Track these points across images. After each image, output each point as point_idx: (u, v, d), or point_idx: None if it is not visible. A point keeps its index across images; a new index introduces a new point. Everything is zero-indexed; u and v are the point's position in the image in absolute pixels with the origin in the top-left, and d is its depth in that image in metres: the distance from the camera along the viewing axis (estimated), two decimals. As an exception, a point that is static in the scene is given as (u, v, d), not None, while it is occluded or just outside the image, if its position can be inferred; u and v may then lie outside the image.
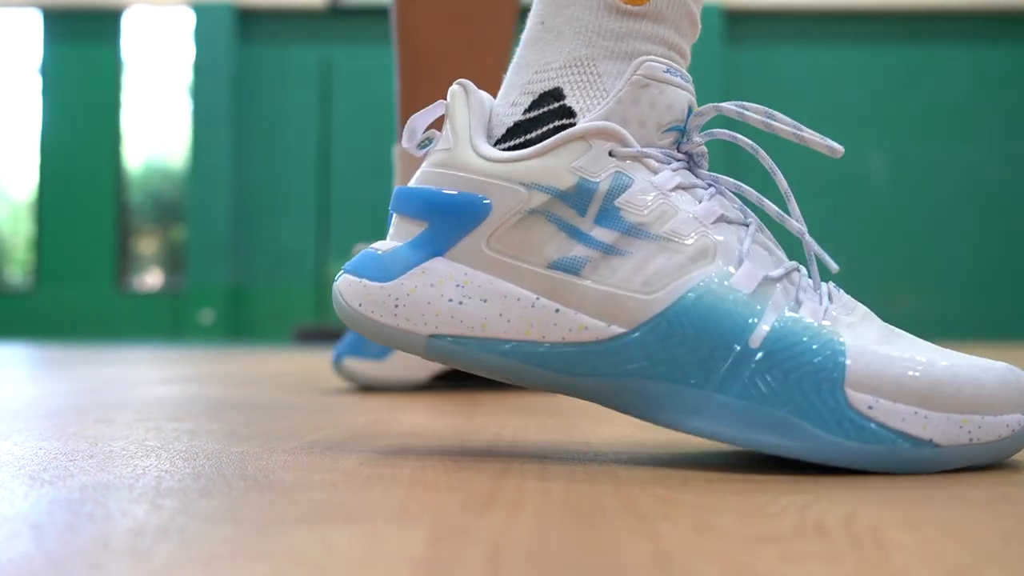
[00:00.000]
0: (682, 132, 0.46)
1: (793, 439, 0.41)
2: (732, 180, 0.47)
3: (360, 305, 0.45)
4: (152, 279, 6.93)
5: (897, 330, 0.45)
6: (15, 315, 6.33)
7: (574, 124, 0.46)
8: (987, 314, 5.86)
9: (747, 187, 0.46)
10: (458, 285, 0.45)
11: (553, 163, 0.44)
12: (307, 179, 6.28)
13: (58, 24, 6.45)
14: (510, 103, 0.48)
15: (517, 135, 0.47)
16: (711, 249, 0.43)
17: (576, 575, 0.24)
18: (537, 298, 0.44)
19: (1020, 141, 6.12)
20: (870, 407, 0.40)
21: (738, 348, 0.42)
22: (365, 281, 0.45)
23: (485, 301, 0.44)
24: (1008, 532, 0.30)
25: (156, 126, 6.75)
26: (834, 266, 0.45)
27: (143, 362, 1.65)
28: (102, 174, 6.41)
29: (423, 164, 0.47)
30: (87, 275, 6.36)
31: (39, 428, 0.57)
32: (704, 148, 0.47)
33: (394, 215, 0.47)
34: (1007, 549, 0.27)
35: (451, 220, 0.45)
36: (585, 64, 0.47)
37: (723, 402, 0.42)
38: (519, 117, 0.47)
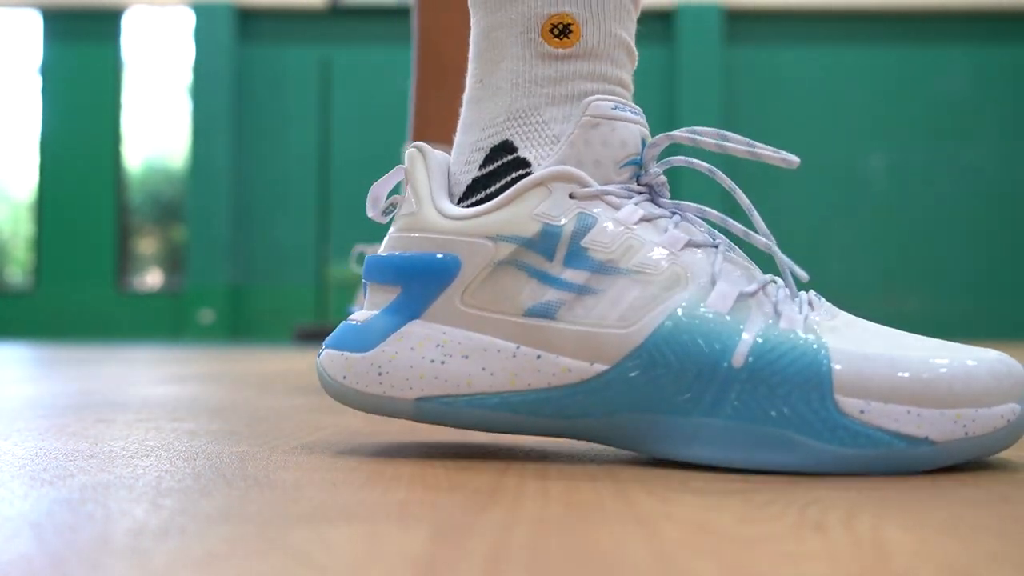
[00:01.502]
0: (639, 165, 0.47)
1: (789, 453, 0.41)
2: (695, 205, 0.47)
3: (344, 378, 0.46)
4: (152, 279, 6.93)
5: (884, 329, 0.44)
6: (15, 315, 6.33)
7: (531, 173, 0.46)
8: (988, 314, 5.86)
9: (710, 209, 0.47)
10: (438, 345, 0.45)
11: (516, 213, 0.45)
12: (307, 179, 6.27)
13: (58, 24, 6.45)
14: (464, 162, 0.49)
15: (476, 191, 0.48)
16: (682, 275, 0.44)
17: (576, 575, 0.24)
18: (518, 347, 0.44)
19: (1020, 141, 6.12)
20: (862, 411, 0.41)
21: (723, 369, 0.42)
22: (346, 354, 0.46)
23: (467, 357, 0.45)
24: (1008, 532, 0.30)
25: (156, 126, 6.74)
26: (803, 275, 0.46)
27: (143, 362, 1.65)
28: (102, 174, 6.41)
29: (390, 230, 0.48)
30: (87, 275, 6.36)
31: (39, 428, 0.57)
32: (663, 178, 0.47)
33: (367, 284, 0.48)
34: (1007, 549, 0.27)
35: (423, 282, 0.46)
36: (529, 114, 0.48)
37: (716, 426, 0.42)
38: (475, 174, 0.48)
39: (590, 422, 0.44)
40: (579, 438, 0.45)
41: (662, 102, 6.04)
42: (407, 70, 6.35)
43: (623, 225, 0.45)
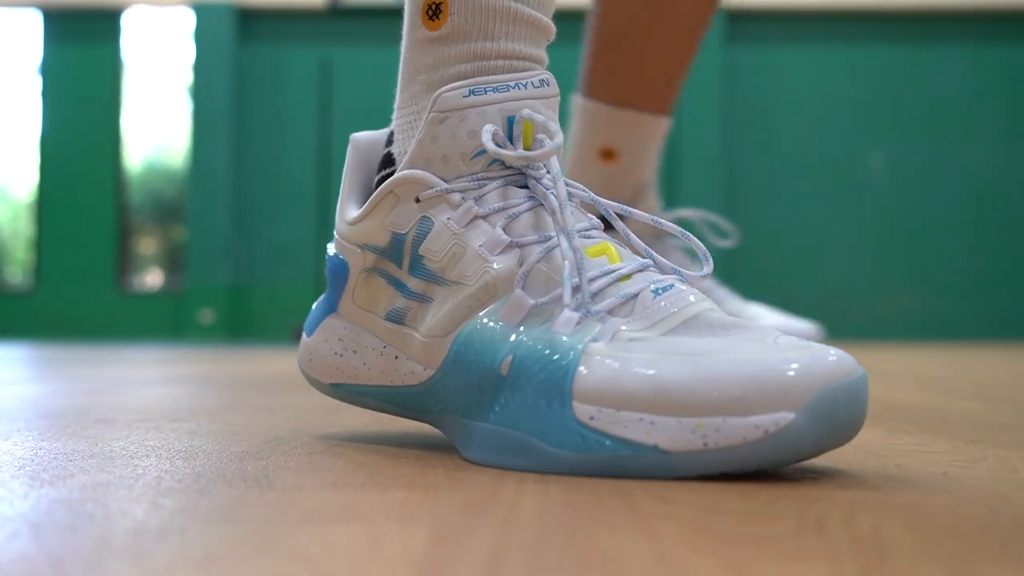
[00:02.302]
0: (500, 148, 0.45)
1: (525, 457, 0.42)
2: (577, 187, 0.46)
3: (299, 358, 0.52)
4: (152, 279, 6.93)
5: (708, 342, 0.41)
6: (15, 315, 6.33)
7: (394, 172, 0.48)
8: (988, 314, 5.86)
9: (588, 194, 0.45)
10: (340, 339, 0.50)
11: (373, 222, 0.47)
12: (307, 179, 6.27)
13: (58, 24, 6.45)
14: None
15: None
16: (491, 285, 0.44)
17: (576, 575, 0.24)
18: (384, 346, 0.48)
19: (1020, 141, 6.12)
20: (591, 417, 0.40)
21: (496, 377, 0.43)
22: (304, 337, 0.52)
23: (355, 352, 0.49)
24: (1008, 532, 0.30)
25: (156, 126, 6.75)
26: (708, 268, 0.44)
27: (143, 362, 1.65)
28: (102, 174, 6.41)
29: None
30: (87, 275, 6.35)
31: (39, 428, 0.57)
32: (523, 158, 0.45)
33: None
34: (1007, 549, 0.27)
35: (334, 281, 0.50)
36: (407, 105, 0.48)
37: (484, 429, 0.44)
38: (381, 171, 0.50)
39: (431, 419, 0.47)
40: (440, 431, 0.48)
41: (662, 102, 6.03)
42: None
43: (451, 230, 0.45)
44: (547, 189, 0.45)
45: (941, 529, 0.30)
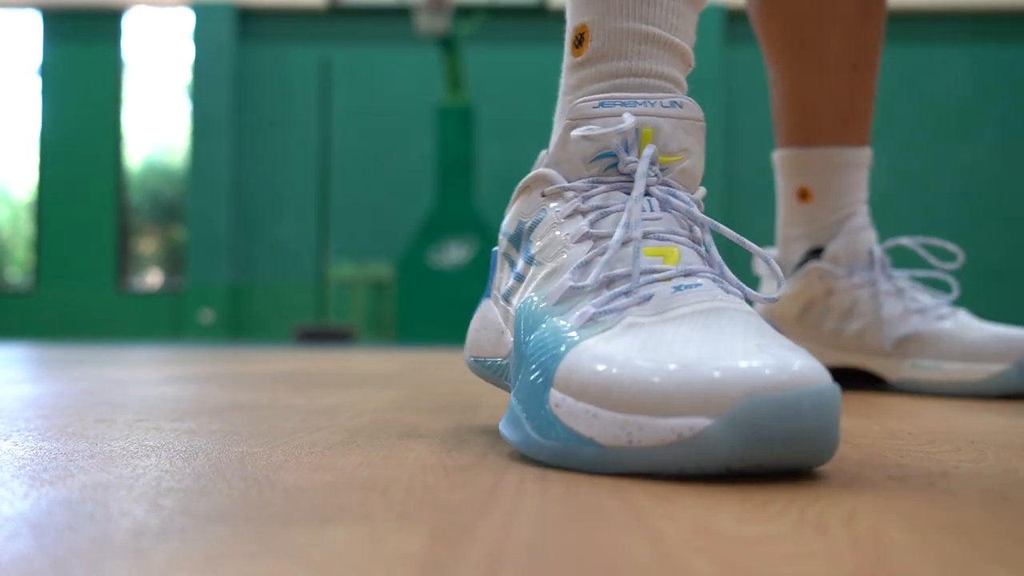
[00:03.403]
0: (613, 156, 0.49)
1: (518, 434, 0.44)
2: (684, 199, 0.48)
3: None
4: (152, 279, 6.93)
5: (701, 333, 0.40)
6: (15, 315, 6.33)
7: None
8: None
9: (688, 206, 0.48)
10: (481, 318, 0.55)
11: (512, 213, 0.53)
12: (307, 179, 6.27)
13: (58, 24, 6.45)
14: None
15: None
16: (561, 267, 0.47)
17: (576, 575, 0.24)
18: (499, 323, 0.53)
19: (1021, 141, 6.12)
20: (557, 405, 0.42)
21: (524, 352, 0.46)
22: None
23: (484, 329, 0.54)
24: (1008, 532, 0.30)
25: (156, 126, 6.75)
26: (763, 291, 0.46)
27: (143, 362, 1.65)
28: (102, 174, 6.41)
29: None
30: (87, 275, 6.36)
31: (39, 428, 0.57)
32: (635, 165, 0.48)
33: None
34: (1007, 549, 0.27)
35: (491, 269, 0.56)
36: (559, 119, 0.53)
37: (511, 401, 0.47)
38: None
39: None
40: None
41: (662, 102, 6.03)
42: (407, 70, 6.35)
43: (555, 219, 0.49)
44: (666, 199, 0.48)
45: (941, 529, 0.30)
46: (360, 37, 6.33)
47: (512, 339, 0.50)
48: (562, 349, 0.43)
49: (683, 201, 0.48)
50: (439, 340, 3.96)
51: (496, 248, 0.56)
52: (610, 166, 0.49)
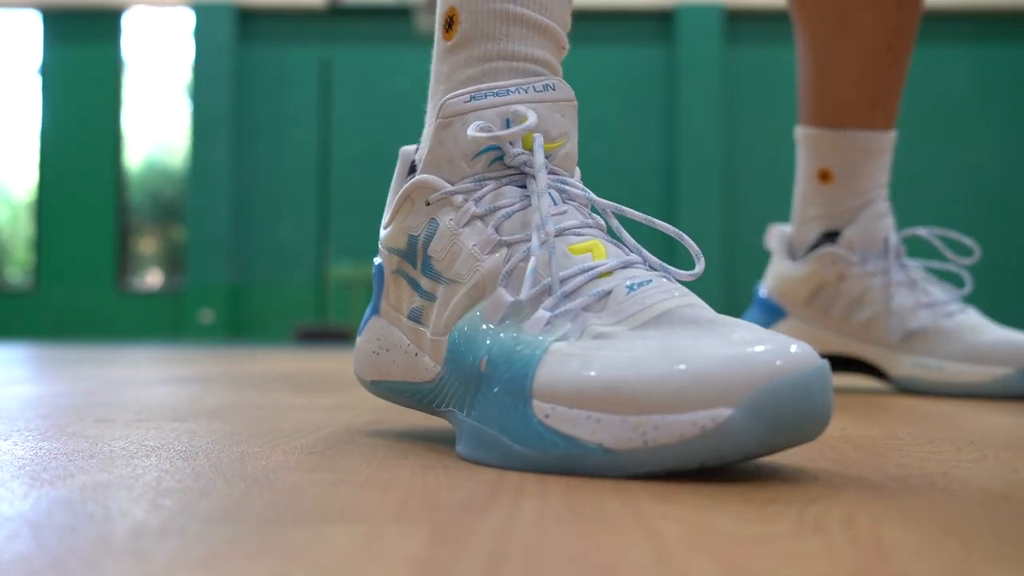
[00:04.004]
0: (497, 148, 0.46)
1: (493, 453, 0.42)
2: (577, 186, 0.47)
3: (353, 359, 0.55)
4: (152, 279, 6.93)
5: (689, 333, 0.40)
6: (15, 315, 6.33)
7: None
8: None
9: (586, 192, 0.46)
10: (377, 339, 0.52)
11: (395, 228, 0.50)
12: (307, 179, 6.27)
13: (58, 24, 6.45)
14: None
15: None
16: (482, 283, 0.45)
17: (576, 575, 0.24)
18: (408, 344, 0.50)
19: (1020, 141, 6.12)
20: (546, 415, 0.40)
21: (476, 374, 0.44)
22: (358, 337, 0.55)
23: (388, 351, 0.52)
24: (1008, 532, 0.30)
25: (156, 126, 6.75)
26: (699, 268, 0.44)
27: (143, 362, 1.65)
28: (102, 174, 6.41)
29: None
30: (87, 275, 6.36)
31: (39, 428, 0.57)
32: (523, 157, 0.46)
33: None
34: (1007, 549, 0.27)
35: (376, 284, 0.53)
36: (432, 113, 0.50)
37: (468, 425, 0.45)
38: None
39: (444, 413, 0.48)
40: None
41: (662, 102, 6.03)
42: (407, 70, 6.35)
43: (452, 229, 0.47)
44: (562, 185, 0.46)
45: (941, 529, 0.30)
46: (360, 37, 6.33)
47: (436, 364, 0.48)
48: (533, 358, 0.41)
49: (579, 188, 0.47)
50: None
51: (378, 261, 0.53)
52: (495, 160, 0.47)
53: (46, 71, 6.41)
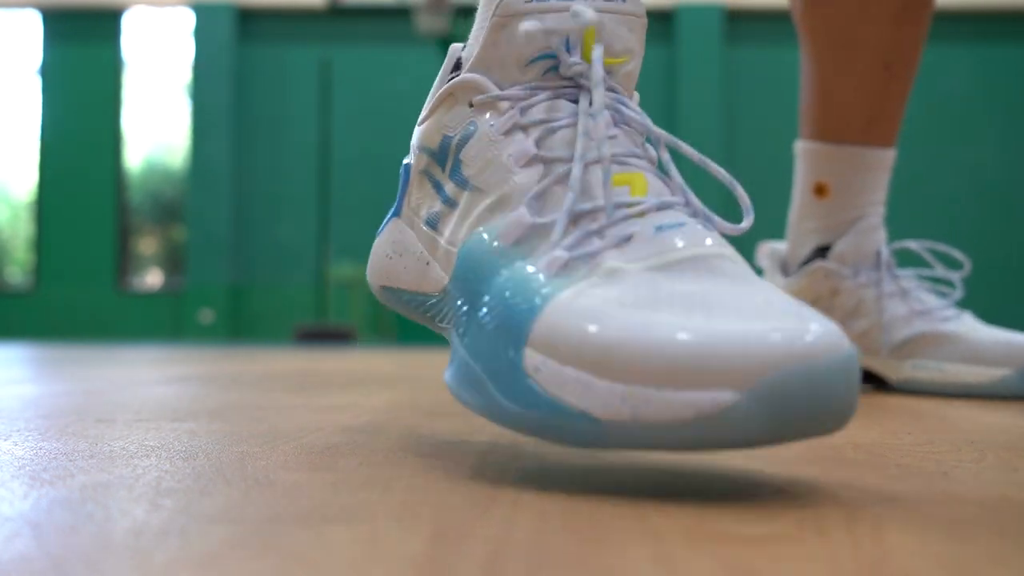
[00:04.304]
0: (554, 57, 0.42)
1: (477, 397, 0.39)
2: (636, 111, 0.43)
3: (369, 259, 0.52)
4: (152, 279, 6.93)
5: (717, 287, 0.36)
6: (15, 315, 6.33)
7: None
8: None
9: (643, 119, 0.43)
10: (393, 242, 0.49)
11: (431, 124, 0.46)
12: (307, 179, 6.28)
13: (58, 24, 6.45)
14: None
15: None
16: (508, 197, 0.41)
17: (576, 575, 0.24)
18: (421, 251, 0.47)
19: (1020, 141, 6.12)
20: (536, 368, 0.36)
21: (478, 293, 0.40)
22: (376, 238, 0.51)
23: (401, 256, 0.48)
24: (1008, 532, 0.30)
25: (156, 126, 6.75)
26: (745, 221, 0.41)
27: (143, 362, 1.65)
28: (102, 174, 6.41)
29: None
30: (87, 275, 6.36)
31: (39, 428, 0.57)
32: (580, 67, 0.42)
33: None
34: (1007, 549, 0.27)
35: (402, 185, 0.49)
36: (481, 10, 0.45)
37: (460, 355, 0.41)
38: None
39: (446, 330, 0.44)
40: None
41: (662, 102, 6.03)
42: (407, 70, 6.35)
43: (491, 136, 0.43)
44: (617, 108, 0.42)
45: (941, 529, 0.30)
46: (360, 37, 6.33)
47: (445, 275, 0.44)
48: (536, 302, 0.37)
49: (636, 112, 0.43)
50: (439, 340, 3.96)
51: (407, 161, 0.49)
52: (549, 69, 0.43)
53: (46, 71, 6.41)
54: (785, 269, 1.02)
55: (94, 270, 6.39)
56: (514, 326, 0.37)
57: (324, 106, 6.13)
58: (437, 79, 0.47)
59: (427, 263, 0.46)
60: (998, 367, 0.88)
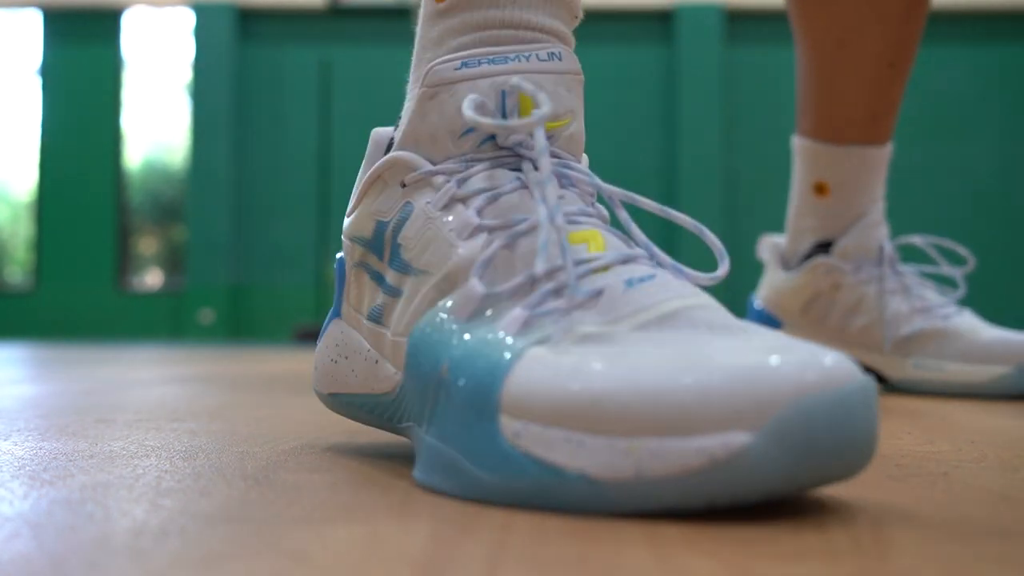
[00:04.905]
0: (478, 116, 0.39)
1: (452, 480, 0.35)
2: (581, 170, 0.40)
3: (313, 367, 0.48)
4: (152, 279, 6.93)
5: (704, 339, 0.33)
6: (15, 315, 6.33)
7: None
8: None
9: (591, 177, 0.40)
10: (336, 345, 0.45)
11: (361, 213, 0.43)
12: (307, 179, 6.28)
13: (58, 24, 6.45)
14: None
15: None
16: (453, 273, 0.38)
17: (576, 575, 0.24)
18: (368, 350, 0.43)
19: (1020, 141, 6.12)
20: (517, 434, 0.32)
21: (435, 381, 0.37)
22: (317, 344, 0.48)
23: (347, 358, 0.44)
24: (1008, 532, 0.30)
25: (156, 126, 6.75)
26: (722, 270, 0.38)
27: (143, 362, 1.65)
28: (102, 174, 6.42)
29: None
30: (87, 275, 6.36)
31: (39, 428, 0.57)
32: (520, 137, 0.40)
33: None
34: (1007, 549, 0.27)
35: (338, 283, 0.46)
36: (409, 84, 0.43)
37: (426, 444, 0.37)
38: None
39: (404, 430, 0.41)
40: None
41: (662, 102, 6.03)
42: (407, 70, 6.34)
43: (429, 213, 0.40)
44: (567, 173, 0.40)
45: (941, 529, 0.30)
46: (360, 37, 6.33)
47: (397, 371, 0.40)
48: (503, 366, 0.33)
49: (582, 173, 0.40)
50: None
51: (341, 256, 0.46)
52: (485, 140, 0.40)
53: (46, 71, 6.41)
54: (786, 263, 1.02)
55: (94, 270, 6.39)
56: (481, 395, 0.34)
57: (324, 106, 6.13)
58: (363, 165, 0.45)
59: (376, 361, 0.42)
60: (998, 365, 0.88)
